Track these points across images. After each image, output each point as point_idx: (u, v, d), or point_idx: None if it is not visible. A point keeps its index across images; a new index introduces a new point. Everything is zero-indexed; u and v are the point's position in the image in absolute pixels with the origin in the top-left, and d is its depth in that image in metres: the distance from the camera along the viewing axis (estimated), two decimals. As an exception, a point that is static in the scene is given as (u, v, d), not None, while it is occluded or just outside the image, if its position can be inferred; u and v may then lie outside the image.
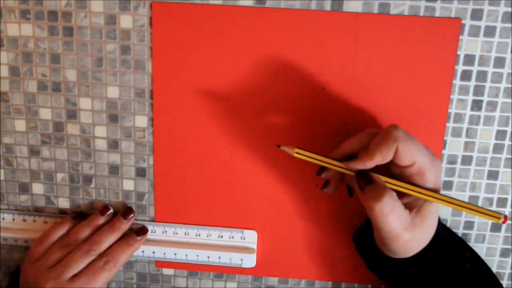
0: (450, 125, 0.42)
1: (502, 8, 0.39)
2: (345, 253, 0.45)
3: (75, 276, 0.41)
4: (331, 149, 0.43)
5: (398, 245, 0.35)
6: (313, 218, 0.45)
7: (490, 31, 0.40)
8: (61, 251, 0.43)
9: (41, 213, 0.47)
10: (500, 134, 0.42)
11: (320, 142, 0.43)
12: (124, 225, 0.45)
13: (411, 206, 0.36)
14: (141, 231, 0.45)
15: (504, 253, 0.45)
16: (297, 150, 0.37)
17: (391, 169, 0.36)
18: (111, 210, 0.45)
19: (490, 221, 0.44)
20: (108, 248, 0.43)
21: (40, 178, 0.46)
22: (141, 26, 0.42)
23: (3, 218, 0.47)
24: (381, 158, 0.34)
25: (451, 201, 0.35)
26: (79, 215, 0.46)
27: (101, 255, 0.43)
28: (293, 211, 0.45)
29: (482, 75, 0.41)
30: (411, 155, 0.34)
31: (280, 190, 0.44)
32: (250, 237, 0.46)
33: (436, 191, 0.35)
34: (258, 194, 0.45)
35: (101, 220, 0.45)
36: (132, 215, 0.45)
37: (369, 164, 0.35)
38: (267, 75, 0.42)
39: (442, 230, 0.39)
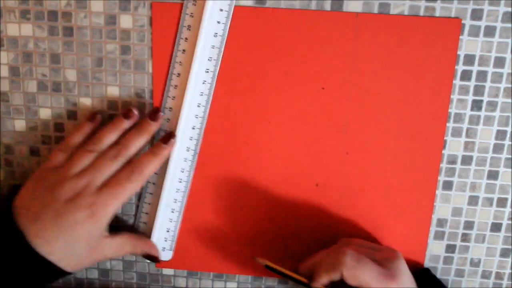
0: (450, 125, 0.42)
1: (502, 8, 0.39)
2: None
3: (101, 187, 0.39)
4: (331, 148, 0.43)
5: None
6: (313, 217, 0.45)
7: (490, 31, 0.40)
8: (85, 158, 0.39)
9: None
10: (500, 134, 0.42)
11: (320, 142, 0.43)
12: (152, 127, 0.41)
13: (380, 263, 0.38)
14: (168, 138, 0.41)
15: (504, 253, 0.45)
16: (267, 263, 0.41)
17: None
18: (136, 112, 0.41)
19: (490, 221, 0.44)
20: (134, 157, 0.41)
21: (40, 178, 0.46)
22: (141, 26, 0.42)
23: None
24: (328, 281, 0.38)
25: None
26: (94, 115, 0.42)
27: (126, 165, 0.40)
28: (293, 211, 0.45)
29: (482, 75, 0.41)
30: (356, 279, 0.37)
31: (280, 189, 0.44)
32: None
33: None
34: (259, 193, 0.45)
35: (126, 123, 0.41)
36: (160, 115, 0.41)
37: (321, 285, 0.38)
38: (267, 75, 0.42)
39: None
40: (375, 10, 0.40)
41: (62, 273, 0.38)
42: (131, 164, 0.40)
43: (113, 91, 0.43)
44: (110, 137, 0.41)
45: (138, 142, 0.41)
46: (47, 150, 0.45)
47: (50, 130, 0.45)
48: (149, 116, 0.41)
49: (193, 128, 0.43)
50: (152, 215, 0.45)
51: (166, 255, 0.46)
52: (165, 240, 0.45)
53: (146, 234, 0.45)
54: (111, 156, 0.40)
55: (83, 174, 0.39)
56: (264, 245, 0.46)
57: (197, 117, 0.42)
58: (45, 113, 0.44)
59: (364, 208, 0.44)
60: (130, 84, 0.43)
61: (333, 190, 0.44)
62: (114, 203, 0.39)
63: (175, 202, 0.44)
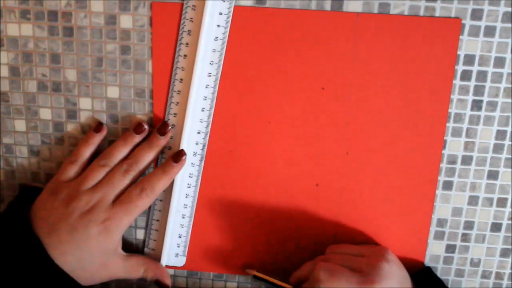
0: (450, 125, 0.42)
1: (502, 8, 0.39)
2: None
3: (114, 201, 0.40)
4: (331, 148, 0.43)
5: None
6: (313, 217, 0.45)
7: (490, 31, 0.40)
8: (98, 173, 0.41)
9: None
10: (500, 134, 0.42)
11: (321, 142, 0.43)
12: (161, 141, 0.42)
13: (359, 270, 0.39)
14: (179, 156, 0.42)
15: (504, 253, 0.45)
16: (255, 273, 0.44)
17: None
18: (146, 127, 0.42)
19: (490, 221, 0.44)
20: (144, 175, 0.42)
21: (40, 179, 0.46)
22: (141, 26, 0.42)
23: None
24: None
25: None
26: (100, 126, 0.43)
27: (137, 183, 0.41)
28: (293, 211, 0.45)
29: (482, 75, 0.41)
30: None
31: (280, 189, 0.44)
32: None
33: None
34: (259, 193, 0.45)
35: (137, 138, 0.42)
36: (169, 129, 0.42)
37: None
38: (267, 75, 0.42)
39: None
40: (375, 10, 0.40)
41: (75, 285, 0.39)
42: (142, 182, 0.41)
43: (113, 91, 0.43)
44: (121, 152, 0.42)
45: (148, 157, 0.42)
46: (47, 150, 0.45)
47: (50, 130, 0.45)
48: (158, 130, 0.42)
49: (199, 133, 0.43)
50: (163, 222, 0.45)
51: (179, 261, 0.46)
52: (178, 246, 0.46)
53: (158, 241, 0.46)
54: (122, 171, 0.41)
55: (96, 188, 0.40)
56: (263, 244, 0.46)
57: (201, 122, 0.42)
58: (45, 113, 0.44)
59: (364, 208, 0.44)
60: (130, 84, 0.43)
61: (333, 190, 0.44)
62: (126, 219, 0.40)
63: (185, 207, 0.44)
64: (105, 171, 0.41)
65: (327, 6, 0.40)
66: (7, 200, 0.47)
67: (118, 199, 0.40)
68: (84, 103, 0.44)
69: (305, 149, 0.43)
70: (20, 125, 0.45)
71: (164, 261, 0.45)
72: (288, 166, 0.44)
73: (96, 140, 0.43)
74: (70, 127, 0.45)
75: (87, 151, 0.43)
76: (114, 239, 0.40)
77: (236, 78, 0.42)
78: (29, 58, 0.43)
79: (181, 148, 0.43)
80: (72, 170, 0.42)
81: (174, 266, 0.47)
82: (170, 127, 0.42)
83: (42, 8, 0.42)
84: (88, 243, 0.39)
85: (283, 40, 0.41)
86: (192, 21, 0.41)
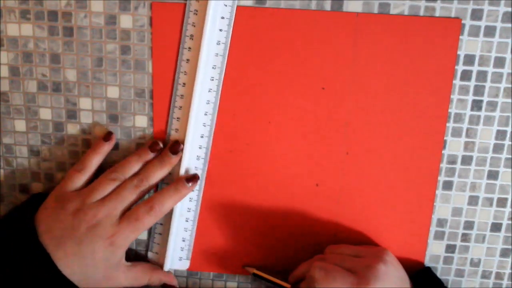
0: (450, 125, 0.42)
1: (502, 8, 0.39)
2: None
3: (121, 216, 0.40)
4: (331, 148, 0.43)
5: None
6: (313, 217, 0.45)
7: (490, 31, 0.40)
8: (108, 186, 0.41)
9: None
10: (500, 134, 0.42)
11: (320, 142, 0.43)
12: (173, 160, 0.42)
13: (355, 270, 0.39)
14: (193, 178, 0.42)
15: (504, 253, 0.45)
16: (255, 271, 0.45)
17: None
18: (161, 145, 0.43)
19: (490, 221, 0.44)
20: (155, 190, 0.42)
21: (40, 178, 0.46)
22: (141, 26, 0.42)
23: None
24: None
25: None
26: (110, 135, 0.43)
27: (146, 200, 0.41)
28: (293, 211, 0.45)
29: (482, 75, 0.41)
30: None
31: (280, 189, 0.44)
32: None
33: None
34: (259, 193, 0.45)
35: (150, 155, 0.42)
36: (181, 148, 0.42)
37: None
38: (267, 75, 0.42)
39: None
40: (375, 10, 0.40)
41: None
42: (152, 200, 0.41)
43: (113, 91, 0.43)
44: (133, 167, 0.42)
45: (159, 174, 0.42)
46: (47, 150, 0.45)
47: (50, 130, 0.45)
48: (170, 149, 0.42)
49: (202, 137, 0.43)
50: (167, 226, 0.45)
51: (183, 264, 0.46)
52: (182, 250, 0.46)
53: (161, 245, 0.46)
54: (132, 186, 0.41)
55: (104, 202, 0.40)
56: (263, 244, 0.46)
57: (205, 126, 0.43)
58: (45, 113, 0.44)
59: (364, 208, 0.44)
60: (130, 84, 0.43)
61: (333, 190, 0.44)
62: (132, 235, 0.41)
63: (189, 211, 0.44)
64: (114, 184, 0.41)
65: (327, 6, 0.40)
66: (7, 200, 0.47)
67: (125, 214, 0.41)
68: (84, 103, 0.44)
69: (305, 149, 0.43)
70: (20, 125, 0.45)
71: (168, 264, 0.45)
72: (288, 166, 0.44)
73: (105, 149, 0.43)
74: (70, 127, 0.45)
75: (95, 160, 0.43)
76: (119, 254, 0.41)
77: (235, 78, 0.42)
78: (29, 58, 0.43)
79: (184, 152, 0.43)
80: (78, 180, 0.42)
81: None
82: (182, 146, 0.42)
83: (42, 8, 0.42)
84: (94, 256, 0.39)
85: (283, 40, 0.41)
86: (194, 26, 0.41)
